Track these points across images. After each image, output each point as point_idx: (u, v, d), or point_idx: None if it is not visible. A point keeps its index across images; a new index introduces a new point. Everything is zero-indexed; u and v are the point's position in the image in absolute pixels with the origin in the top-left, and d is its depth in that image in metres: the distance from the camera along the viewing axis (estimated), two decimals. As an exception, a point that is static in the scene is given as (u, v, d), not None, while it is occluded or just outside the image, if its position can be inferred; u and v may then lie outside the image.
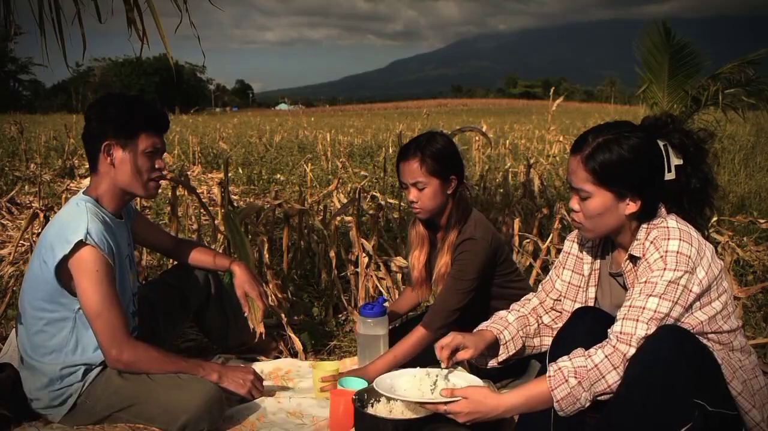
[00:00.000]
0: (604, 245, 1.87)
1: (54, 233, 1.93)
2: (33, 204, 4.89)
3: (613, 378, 1.53)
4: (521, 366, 2.41)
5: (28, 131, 11.56)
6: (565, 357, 1.60)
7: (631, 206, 1.66)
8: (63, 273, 1.90)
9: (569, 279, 1.92)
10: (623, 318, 1.58)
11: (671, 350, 1.51)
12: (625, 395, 1.53)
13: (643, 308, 1.56)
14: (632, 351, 1.53)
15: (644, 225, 1.68)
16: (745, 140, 10.01)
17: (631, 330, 1.55)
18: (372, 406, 1.93)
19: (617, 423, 1.53)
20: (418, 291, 2.58)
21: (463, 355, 1.88)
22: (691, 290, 1.58)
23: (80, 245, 1.87)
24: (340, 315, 3.21)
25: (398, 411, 1.90)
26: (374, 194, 5.92)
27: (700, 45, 6.05)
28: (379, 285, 3.16)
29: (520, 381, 2.36)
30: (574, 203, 1.71)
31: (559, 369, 1.57)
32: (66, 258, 1.87)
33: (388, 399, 1.81)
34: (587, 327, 1.74)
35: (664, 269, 1.58)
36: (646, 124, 1.75)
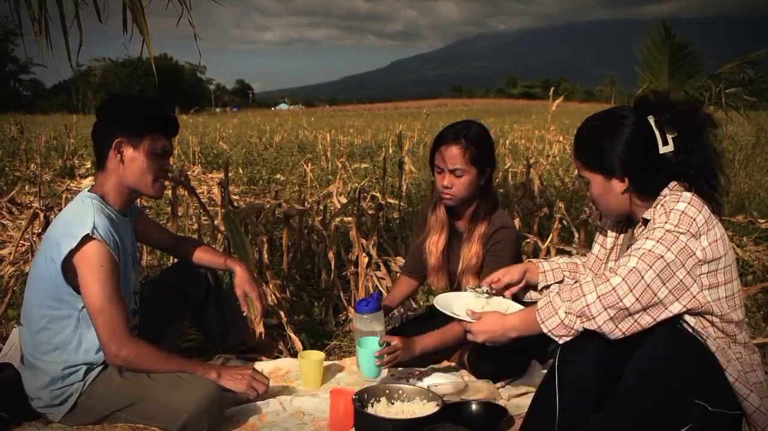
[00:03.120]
0: (630, 221, 1.90)
1: (60, 229, 1.94)
2: (33, 204, 4.88)
3: (592, 299, 1.58)
4: (521, 366, 2.41)
5: (28, 131, 11.53)
6: None
7: (621, 184, 1.72)
8: (69, 269, 1.90)
9: (597, 253, 2.00)
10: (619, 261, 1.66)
11: (670, 349, 1.51)
12: (625, 391, 1.53)
13: (639, 248, 1.61)
14: (618, 279, 1.58)
15: (660, 197, 1.70)
16: (746, 141, 10.01)
17: (623, 263, 1.61)
18: (372, 406, 1.93)
19: (618, 423, 1.54)
20: (434, 278, 2.51)
21: (513, 290, 2.06)
22: (693, 252, 1.58)
23: (87, 239, 1.87)
24: (340, 315, 3.21)
25: (398, 411, 1.90)
26: (374, 194, 5.92)
27: (700, 45, 6.04)
28: (379, 285, 3.17)
29: (520, 382, 2.36)
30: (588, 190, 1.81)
31: (548, 294, 1.70)
32: (72, 253, 1.87)
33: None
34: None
35: (666, 221, 1.61)
36: (636, 104, 1.78)
